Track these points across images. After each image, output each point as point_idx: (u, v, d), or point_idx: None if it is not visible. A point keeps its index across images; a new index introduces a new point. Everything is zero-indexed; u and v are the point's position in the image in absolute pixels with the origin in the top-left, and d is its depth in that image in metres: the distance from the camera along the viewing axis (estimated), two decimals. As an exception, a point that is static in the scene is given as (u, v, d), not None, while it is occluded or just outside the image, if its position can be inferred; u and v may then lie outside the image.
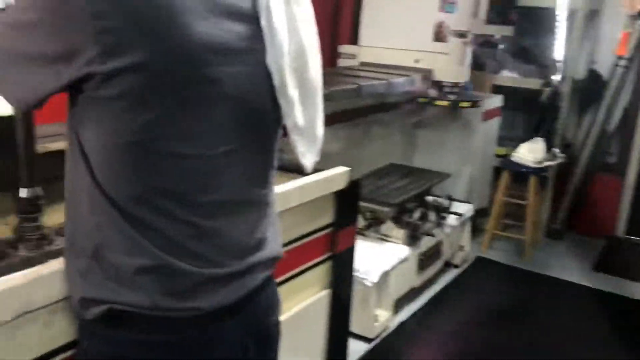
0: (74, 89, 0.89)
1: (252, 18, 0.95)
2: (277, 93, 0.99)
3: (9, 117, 1.47)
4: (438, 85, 3.61)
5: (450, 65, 3.58)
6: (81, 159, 0.93)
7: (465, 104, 3.64)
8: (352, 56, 3.71)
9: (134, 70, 0.83)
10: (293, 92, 1.00)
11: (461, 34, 3.53)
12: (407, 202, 3.13)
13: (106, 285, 0.93)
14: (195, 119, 0.90)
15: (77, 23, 0.82)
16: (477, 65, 3.92)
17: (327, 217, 1.81)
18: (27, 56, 0.88)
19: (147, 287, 0.92)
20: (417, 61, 3.60)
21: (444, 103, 3.61)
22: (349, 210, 1.88)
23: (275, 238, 1.12)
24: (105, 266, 0.94)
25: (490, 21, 3.65)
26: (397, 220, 3.07)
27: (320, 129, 1.09)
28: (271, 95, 0.99)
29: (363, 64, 3.65)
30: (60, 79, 0.87)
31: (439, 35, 3.53)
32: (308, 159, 1.09)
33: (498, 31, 3.80)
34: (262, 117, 1.00)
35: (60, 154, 1.68)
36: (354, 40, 3.77)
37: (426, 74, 3.57)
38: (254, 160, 1.02)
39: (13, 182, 1.50)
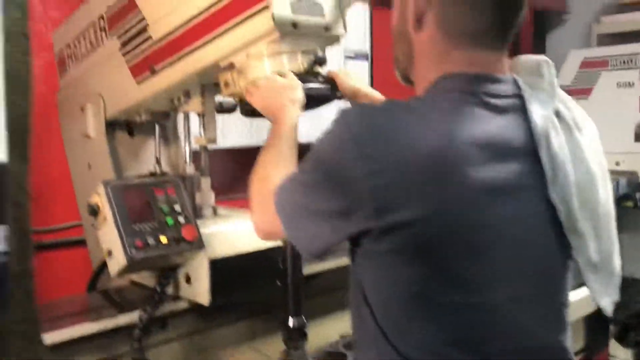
0: (353, 241, 0.93)
1: (529, 152, 0.92)
2: (565, 229, 0.93)
3: (278, 248, 1.60)
4: (645, 187, 3.37)
5: (657, 165, 3.34)
6: (365, 306, 0.94)
7: (680, 206, 3.33)
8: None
9: (410, 224, 0.84)
10: (584, 225, 0.94)
11: (668, 133, 3.30)
12: (632, 317, 2.84)
13: None
14: (476, 267, 0.88)
15: (353, 182, 0.87)
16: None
17: (577, 343, 1.69)
18: (311, 211, 0.95)
19: None
20: (617, 164, 3.42)
21: (655, 206, 3.34)
22: (600, 335, 1.75)
23: None
24: None
25: (700, 116, 3.40)
26: (622, 339, 2.78)
27: (617, 263, 1.01)
28: (557, 231, 0.93)
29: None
30: (338, 234, 0.93)
31: (642, 136, 3.33)
32: (606, 301, 0.99)
33: None
34: (548, 256, 0.95)
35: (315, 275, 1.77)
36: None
37: (630, 177, 3.36)
38: (545, 302, 0.95)
39: (271, 308, 1.61)
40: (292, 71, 1.32)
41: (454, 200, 0.85)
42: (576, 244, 0.94)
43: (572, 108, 1.00)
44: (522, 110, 0.93)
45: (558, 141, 0.92)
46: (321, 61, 1.32)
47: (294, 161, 1.19)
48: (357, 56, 3.08)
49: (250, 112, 1.39)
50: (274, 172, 1.10)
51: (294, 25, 1.28)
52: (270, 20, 1.24)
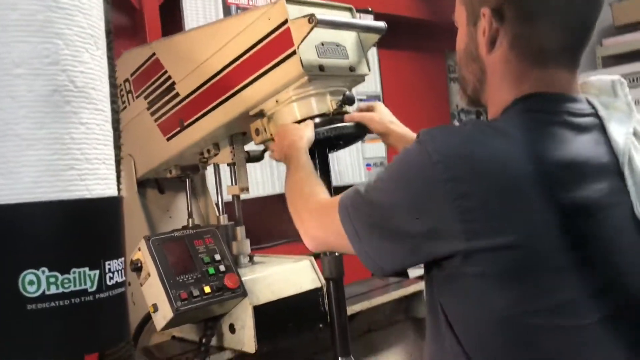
0: (434, 264, 0.91)
1: (612, 170, 0.90)
2: None
3: (318, 289, 1.60)
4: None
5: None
6: (448, 331, 0.92)
7: None
8: None
9: (501, 249, 0.83)
10: None
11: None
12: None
13: None
14: (569, 288, 0.85)
15: (440, 205, 0.85)
16: None
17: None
18: (386, 230, 0.93)
19: None
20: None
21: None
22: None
23: None
24: None
25: None
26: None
27: None
28: None
29: None
30: (418, 255, 0.91)
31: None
32: None
33: None
34: (636, 275, 0.90)
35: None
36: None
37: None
38: (633, 326, 0.90)
39: (317, 352, 1.59)
40: (322, 112, 1.36)
41: (542, 225, 0.84)
42: None
43: None
44: (601, 128, 0.93)
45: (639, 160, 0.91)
46: (350, 100, 1.35)
47: (321, 183, 1.24)
48: (369, 98, 3.13)
49: (283, 156, 1.42)
50: (315, 189, 1.19)
51: (321, 68, 1.32)
52: (298, 65, 1.28)
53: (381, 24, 1.40)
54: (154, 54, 1.68)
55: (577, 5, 0.93)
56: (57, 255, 0.38)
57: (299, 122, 1.37)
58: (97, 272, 0.39)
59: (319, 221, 1.11)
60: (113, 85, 0.46)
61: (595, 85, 0.99)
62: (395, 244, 0.93)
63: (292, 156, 1.31)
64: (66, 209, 0.38)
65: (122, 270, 0.43)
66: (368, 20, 1.45)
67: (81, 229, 0.39)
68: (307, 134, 1.33)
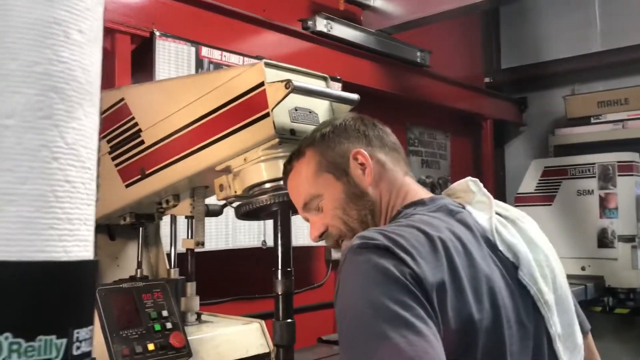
0: None
1: (493, 248, 1.04)
2: (537, 302, 1.02)
3: (266, 354, 1.55)
4: (612, 292, 3.44)
5: (622, 270, 3.44)
6: None
7: (647, 311, 3.40)
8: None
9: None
10: (550, 298, 1.04)
11: (628, 238, 3.44)
12: None
13: None
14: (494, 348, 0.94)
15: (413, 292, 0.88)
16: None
17: None
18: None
19: None
20: (583, 269, 3.52)
21: (623, 311, 3.40)
22: None
23: None
24: None
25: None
26: None
27: (579, 337, 1.09)
28: (526, 309, 1.02)
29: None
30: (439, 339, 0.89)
31: (604, 242, 3.46)
32: None
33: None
34: (527, 329, 1.01)
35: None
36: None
37: (596, 282, 3.44)
38: None
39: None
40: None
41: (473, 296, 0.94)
42: (547, 315, 1.03)
43: (510, 209, 1.15)
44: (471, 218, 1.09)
45: (508, 231, 1.07)
46: (318, 166, 1.35)
47: None
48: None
49: (245, 214, 1.40)
50: None
51: (292, 132, 1.33)
52: (271, 127, 1.28)
53: (354, 96, 1.43)
54: (122, 99, 1.66)
55: (389, 135, 1.21)
56: (25, 321, 0.35)
57: (264, 182, 1.36)
58: (65, 340, 0.37)
59: None
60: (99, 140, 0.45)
61: (457, 188, 1.18)
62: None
63: None
64: (40, 270, 0.35)
65: (90, 340, 0.40)
66: (339, 90, 1.47)
67: (53, 293, 0.37)
68: None
